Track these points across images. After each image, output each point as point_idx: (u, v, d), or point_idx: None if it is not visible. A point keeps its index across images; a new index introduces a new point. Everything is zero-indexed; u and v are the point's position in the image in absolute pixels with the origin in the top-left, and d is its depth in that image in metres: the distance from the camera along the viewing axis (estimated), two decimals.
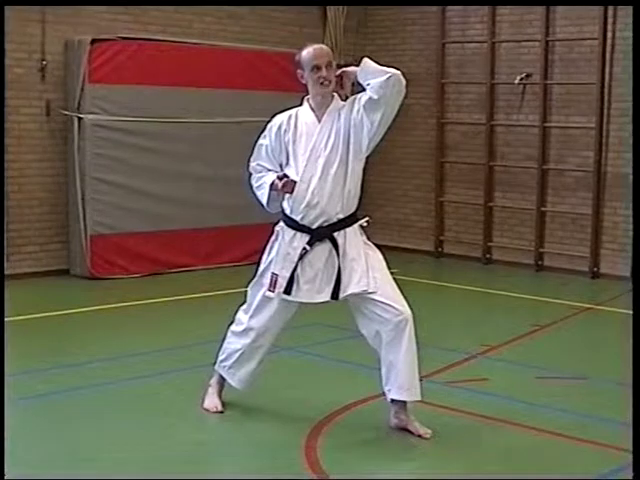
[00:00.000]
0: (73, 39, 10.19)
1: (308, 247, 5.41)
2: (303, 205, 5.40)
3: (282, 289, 5.45)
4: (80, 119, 10.12)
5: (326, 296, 5.43)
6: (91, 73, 10.06)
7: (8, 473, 4.36)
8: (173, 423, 5.65)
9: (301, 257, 5.42)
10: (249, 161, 5.71)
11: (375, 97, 5.22)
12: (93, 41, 10.06)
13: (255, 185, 5.62)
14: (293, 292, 5.45)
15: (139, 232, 10.60)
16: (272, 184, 5.42)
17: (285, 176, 5.38)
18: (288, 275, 5.43)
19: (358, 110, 5.33)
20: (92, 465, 4.95)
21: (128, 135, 10.42)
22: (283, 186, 5.36)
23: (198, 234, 11.03)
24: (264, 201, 5.56)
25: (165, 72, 10.61)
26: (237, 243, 11.12)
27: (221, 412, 5.80)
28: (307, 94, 5.52)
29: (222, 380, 5.87)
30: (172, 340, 7.65)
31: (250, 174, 5.69)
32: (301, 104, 5.55)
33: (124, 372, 6.71)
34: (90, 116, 10.12)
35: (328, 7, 12.36)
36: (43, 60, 10.13)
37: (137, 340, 7.66)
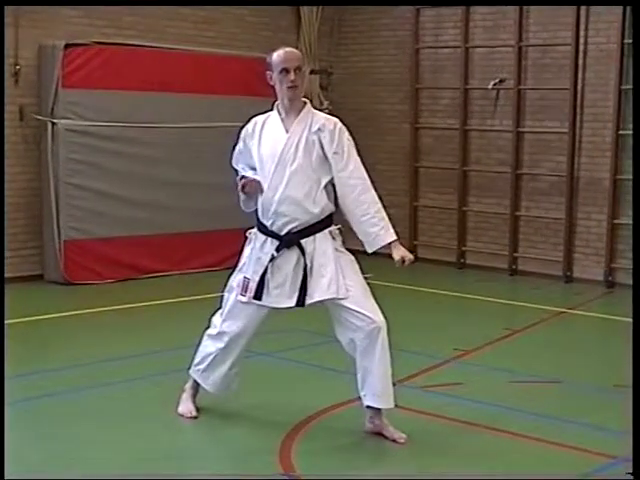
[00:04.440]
0: (47, 44, 10.14)
1: (275, 253, 5.43)
2: (271, 212, 5.42)
3: (252, 293, 5.46)
4: (54, 124, 10.08)
5: (292, 302, 5.45)
6: (65, 78, 10.02)
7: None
8: (148, 428, 5.64)
9: (271, 261, 5.44)
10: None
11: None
12: (67, 46, 10.02)
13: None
14: (263, 297, 5.47)
15: (113, 237, 10.57)
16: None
17: (243, 177, 5.42)
18: (258, 279, 5.45)
19: (338, 172, 5.43)
20: (67, 470, 4.93)
21: (102, 140, 10.38)
22: (243, 187, 5.41)
23: (172, 239, 11.00)
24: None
25: (140, 77, 10.58)
26: (212, 248, 11.09)
27: (195, 417, 5.79)
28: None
29: (196, 385, 5.87)
30: (147, 345, 7.64)
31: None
32: (272, 109, 5.57)
33: (99, 377, 6.69)
34: (64, 121, 10.08)
35: (302, 12, 12.37)
36: (16, 65, 10.08)
37: (112, 345, 7.63)
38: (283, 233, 5.43)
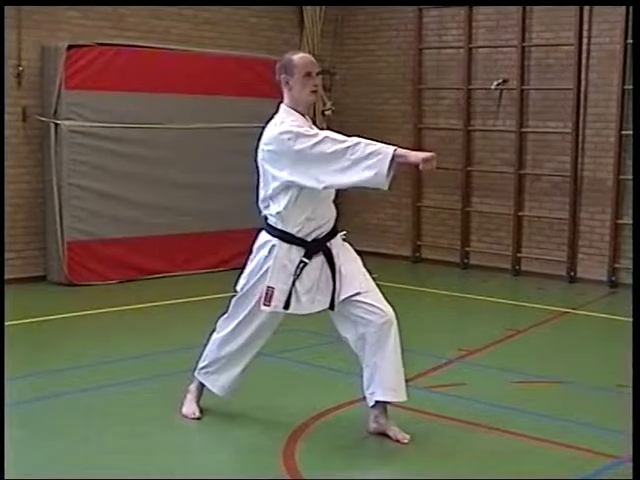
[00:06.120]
0: (49, 45, 10.15)
1: (307, 260, 5.41)
2: (302, 218, 5.38)
3: (281, 303, 5.41)
4: (57, 125, 10.08)
5: (322, 305, 5.47)
6: (68, 79, 10.02)
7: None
8: (151, 429, 5.63)
9: (300, 270, 5.40)
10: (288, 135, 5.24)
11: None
12: (70, 47, 10.02)
13: (360, 154, 5.08)
14: (292, 305, 5.43)
15: (116, 238, 10.56)
16: (394, 156, 5.14)
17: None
18: (288, 288, 5.39)
19: None
20: (68, 471, 4.93)
21: (105, 141, 10.38)
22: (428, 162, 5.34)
23: (175, 240, 10.99)
24: (384, 170, 5.08)
25: (142, 78, 10.58)
26: (214, 249, 11.09)
27: (199, 418, 5.79)
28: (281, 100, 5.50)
29: (201, 387, 5.87)
30: (151, 346, 7.64)
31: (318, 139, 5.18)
32: (277, 110, 5.49)
33: (102, 379, 6.68)
34: (67, 122, 10.08)
35: (305, 13, 12.38)
36: (19, 66, 10.08)
37: (115, 346, 7.63)
38: (311, 239, 5.42)
